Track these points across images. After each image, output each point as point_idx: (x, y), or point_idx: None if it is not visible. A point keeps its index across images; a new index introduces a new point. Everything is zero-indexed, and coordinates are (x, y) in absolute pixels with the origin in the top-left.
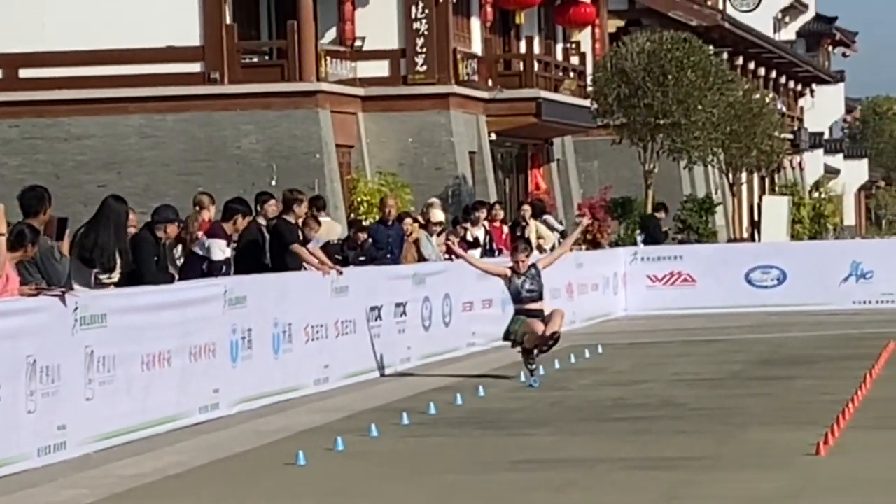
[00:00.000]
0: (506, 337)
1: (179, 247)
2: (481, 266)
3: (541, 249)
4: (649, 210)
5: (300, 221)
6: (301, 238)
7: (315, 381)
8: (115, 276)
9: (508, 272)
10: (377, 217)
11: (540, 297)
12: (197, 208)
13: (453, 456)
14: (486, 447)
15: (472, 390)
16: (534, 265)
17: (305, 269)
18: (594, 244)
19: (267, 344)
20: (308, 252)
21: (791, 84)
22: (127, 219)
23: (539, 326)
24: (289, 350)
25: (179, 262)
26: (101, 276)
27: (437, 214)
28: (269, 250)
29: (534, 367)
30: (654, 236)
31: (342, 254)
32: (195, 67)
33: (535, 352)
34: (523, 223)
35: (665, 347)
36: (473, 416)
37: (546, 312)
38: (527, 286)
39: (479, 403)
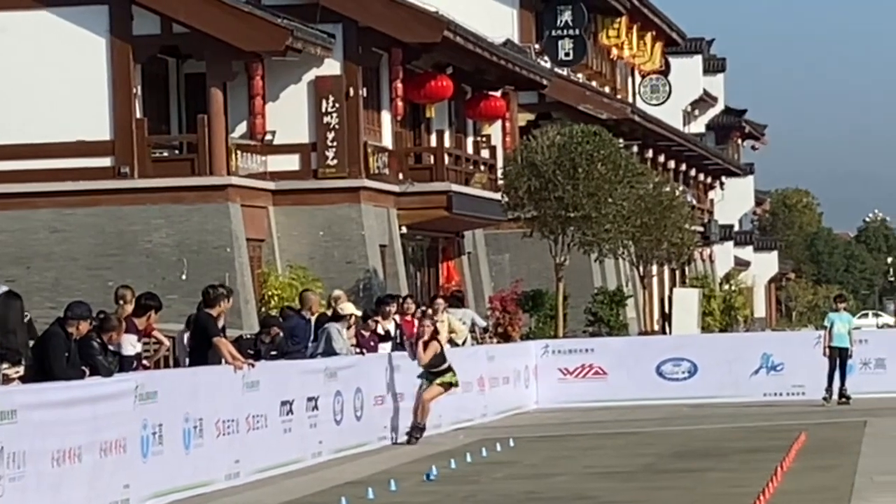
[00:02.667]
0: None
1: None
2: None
3: (452, 343)
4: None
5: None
6: (220, 332)
7: (226, 475)
8: (21, 370)
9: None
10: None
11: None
12: (121, 302)
13: None
14: None
15: (384, 484)
16: None
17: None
18: (505, 337)
19: (178, 439)
20: (227, 347)
21: (701, 177)
22: (23, 313)
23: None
24: (200, 445)
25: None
26: (8, 371)
27: (348, 307)
28: (188, 344)
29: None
30: None
31: (255, 347)
32: (105, 162)
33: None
34: (436, 318)
35: (577, 440)
36: None
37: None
38: None
39: (391, 498)
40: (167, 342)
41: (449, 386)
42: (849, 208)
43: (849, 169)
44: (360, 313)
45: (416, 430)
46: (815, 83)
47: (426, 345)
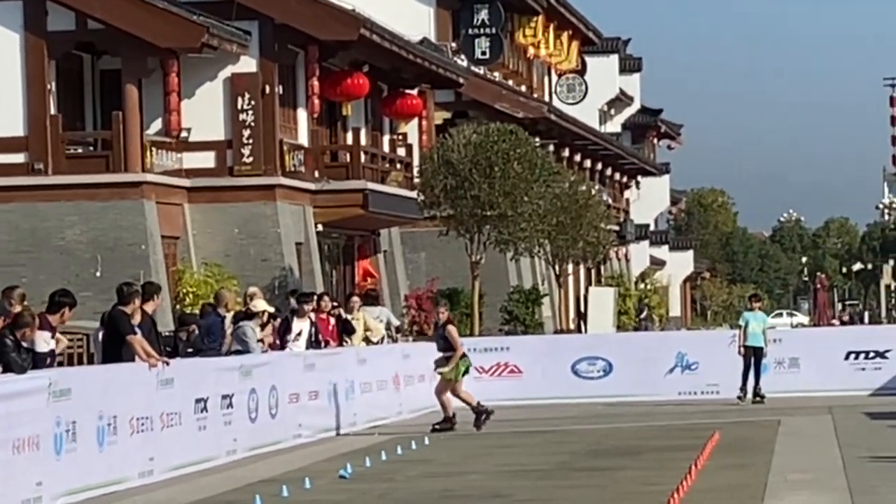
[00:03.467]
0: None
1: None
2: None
3: (368, 341)
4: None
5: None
6: (134, 329)
7: (140, 473)
8: None
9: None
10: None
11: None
12: (12, 302)
13: None
14: None
15: (299, 482)
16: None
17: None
18: (421, 335)
19: (91, 436)
20: (140, 344)
21: (617, 176)
22: None
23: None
24: (114, 442)
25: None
26: None
27: (260, 304)
28: (102, 341)
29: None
30: None
31: (171, 345)
32: (19, 158)
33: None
34: (351, 315)
35: (492, 438)
36: None
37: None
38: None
39: (306, 496)
40: (66, 341)
41: (453, 377)
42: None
43: (764, 169)
44: (272, 310)
45: (482, 415)
46: (730, 84)
47: (444, 328)
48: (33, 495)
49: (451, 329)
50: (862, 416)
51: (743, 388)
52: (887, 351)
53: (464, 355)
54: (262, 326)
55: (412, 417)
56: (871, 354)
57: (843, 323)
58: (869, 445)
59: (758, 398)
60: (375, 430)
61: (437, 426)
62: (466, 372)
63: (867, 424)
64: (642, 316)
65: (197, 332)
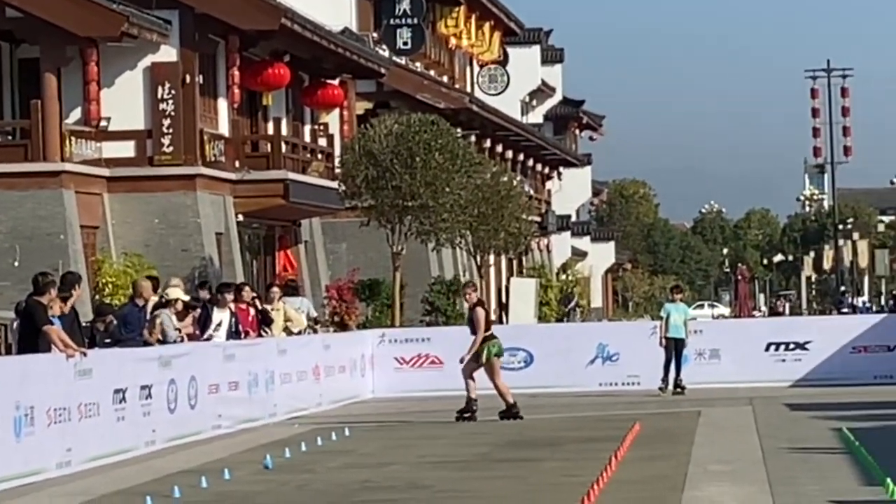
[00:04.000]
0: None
1: None
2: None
3: (288, 332)
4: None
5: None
6: (50, 319)
7: (58, 464)
8: None
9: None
10: (122, 299)
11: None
12: None
13: None
14: None
15: (218, 473)
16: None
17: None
18: (342, 326)
19: (8, 427)
20: (57, 334)
21: (539, 167)
22: None
23: None
24: (31, 433)
25: None
26: None
27: (173, 292)
28: (18, 331)
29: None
30: None
31: (90, 335)
32: None
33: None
34: (269, 308)
35: (412, 429)
36: (218, 499)
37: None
38: None
39: (225, 486)
40: None
41: (489, 359)
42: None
43: (685, 161)
44: (186, 298)
45: (512, 415)
46: (652, 76)
47: (472, 310)
48: None
49: (479, 311)
50: (782, 407)
51: (665, 380)
52: (807, 342)
53: (493, 337)
54: (179, 315)
55: (333, 408)
56: (792, 346)
57: (781, 313)
58: (789, 436)
59: (678, 389)
60: (296, 420)
61: (463, 413)
62: (499, 354)
63: (787, 415)
64: (570, 306)
65: (114, 322)
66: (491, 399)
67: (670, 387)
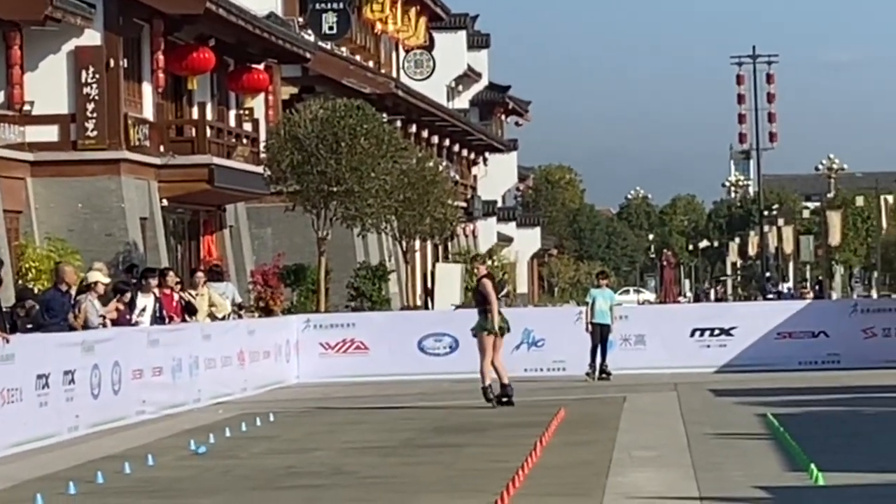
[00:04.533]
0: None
1: None
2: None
3: (213, 317)
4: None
5: None
6: None
7: None
8: None
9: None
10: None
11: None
12: None
13: None
14: None
15: (142, 459)
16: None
17: None
18: (267, 311)
19: None
20: None
21: (465, 152)
22: None
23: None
24: None
25: None
26: None
27: (93, 275)
28: None
29: None
30: None
31: (11, 320)
32: None
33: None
34: (193, 293)
35: (337, 415)
36: (142, 484)
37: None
38: None
39: (149, 472)
40: None
41: (494, 331)
42: (611, 185)
43: (611, 147)
44: (106, 281)
45: (506, 398)
46: (578, 62)
47: (480, 282)
48: None
49: (486, 282)
50: (707, 393)
51: (592, 366)
52: (732, 328)
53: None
54: (102, 299)
55: (257, 394)
56: (717, 332)
57: (718, 299)
58: (713, 422)
59: (604, 375)
60: (220, 406)
61: (500, 399)
62: (503, 332)
63: (712, 401)
64: (503, 293)
65: (36, 307)
66: (380, 387)
67: (596, 373)
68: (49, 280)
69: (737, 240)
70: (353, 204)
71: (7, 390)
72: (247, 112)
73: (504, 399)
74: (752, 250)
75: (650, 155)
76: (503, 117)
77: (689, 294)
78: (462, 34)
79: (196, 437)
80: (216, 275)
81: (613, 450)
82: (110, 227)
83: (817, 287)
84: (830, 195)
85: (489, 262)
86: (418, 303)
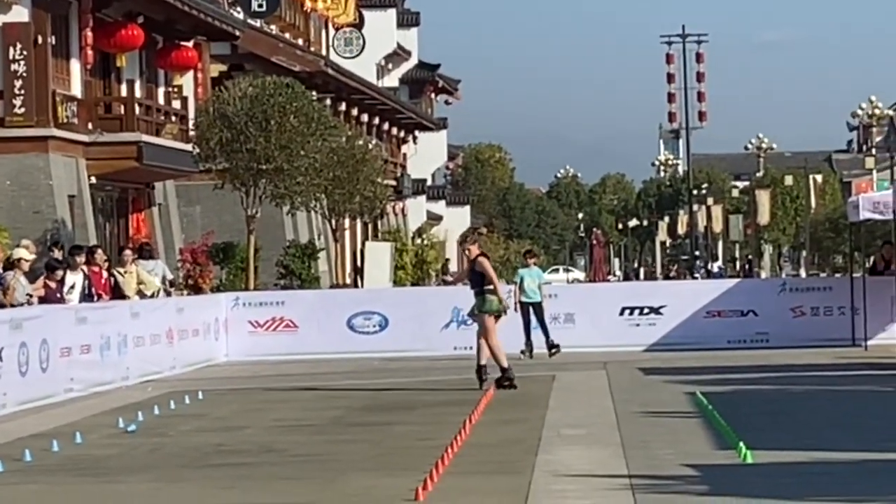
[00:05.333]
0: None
1: None
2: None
3: (141, 294)
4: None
5: None
6: None
7: None
8: None
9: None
10: None
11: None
12: None
13: None
14: (82, 494)
15: (70, 437)
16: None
17: None
18: (196, 289)
19: None
20: None
21: (394, 131)
22: None
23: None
24: None
25: None
26: None
27: (18, 251)
28: None
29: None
30: None
31: None
32: None
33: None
34: (122, 271)
35: (266, 393)
36: (70, 462)
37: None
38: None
39: (77, 450)
40: None
41: (501, 311)
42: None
43: (541, 125)
44: (31, 258)
45: (505, 380)
46: (508, 41)
47: (475, 262)
48: None
49: (484, 261)
50: (636, 371)
51: (528, 344)
52: (662, 307)
53: (495, 291)
54: (27, 275)
55: (186, 372)
56: (646, 310)
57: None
58: (642, 400)
59: (553, 350)
60: (149, 384)
61: (502, 383)
62: (499, 315)
63: (641, 380)
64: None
65: None
66: (310, 365)
67: (535, 350)
68: None
69: (666, 219)
70: (282, 182)
71: None
72: (176, 89)
73: (505, 383)
74: (681, 229)
75: (580, 134)
76: (433, 96)
77: (618, 273)
78: (392, 12)
79: (125, 415)
80: (145, 253)
81: (543, 428)
82: (38, 205)
83: (746, 266)
84: (759, 174)
85: (419, 241)
86: (348, 281)
